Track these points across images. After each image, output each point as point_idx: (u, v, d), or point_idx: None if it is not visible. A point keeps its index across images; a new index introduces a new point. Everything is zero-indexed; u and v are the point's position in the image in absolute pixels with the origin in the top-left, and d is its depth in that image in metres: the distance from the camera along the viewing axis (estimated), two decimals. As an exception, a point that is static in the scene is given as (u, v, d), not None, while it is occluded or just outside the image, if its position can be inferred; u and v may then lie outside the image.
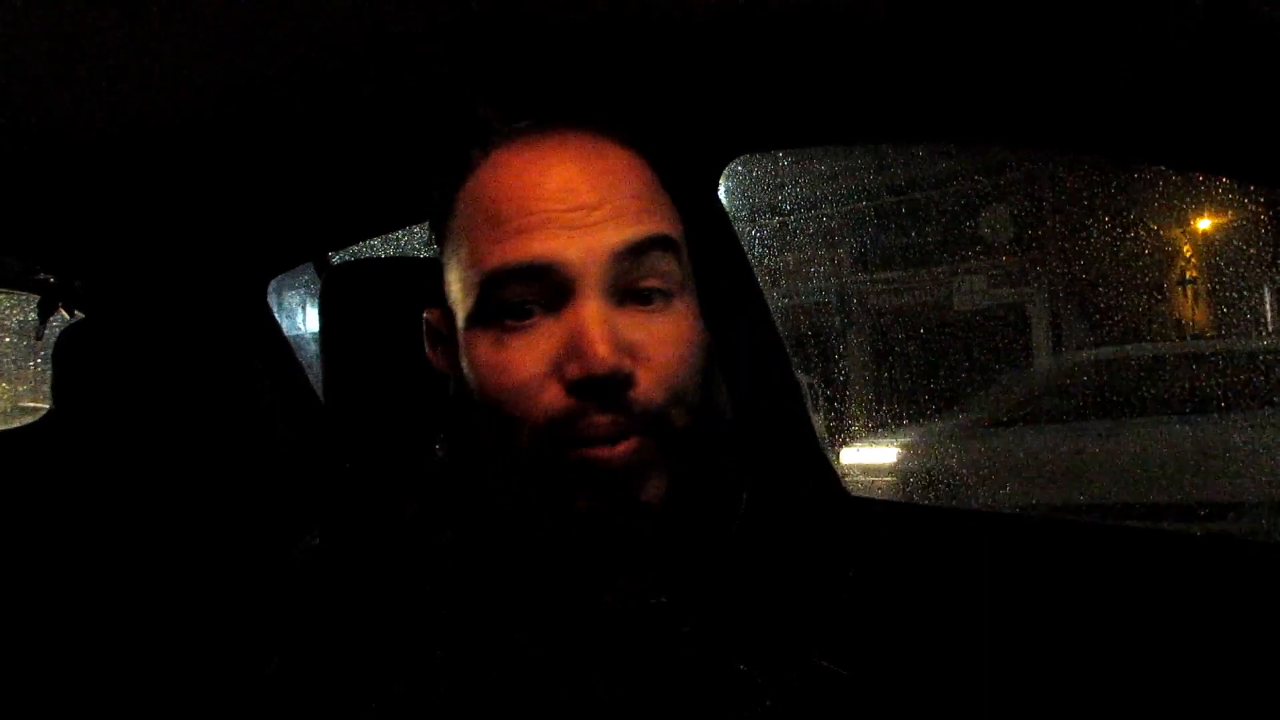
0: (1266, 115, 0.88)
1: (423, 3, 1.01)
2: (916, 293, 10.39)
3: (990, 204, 9.48)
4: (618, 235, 0.69)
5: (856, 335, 10.72)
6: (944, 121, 1.21)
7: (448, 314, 0.77)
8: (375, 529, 0.79)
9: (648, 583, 0.77)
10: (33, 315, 2.16)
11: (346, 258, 2.15)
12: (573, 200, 0.69)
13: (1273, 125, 0.89)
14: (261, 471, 1.80)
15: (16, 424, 2.20)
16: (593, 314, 0.67)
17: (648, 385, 0.69)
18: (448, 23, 1.06)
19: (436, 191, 0.80)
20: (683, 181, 0.80)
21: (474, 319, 0.71)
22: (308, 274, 2.26)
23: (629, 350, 0.68)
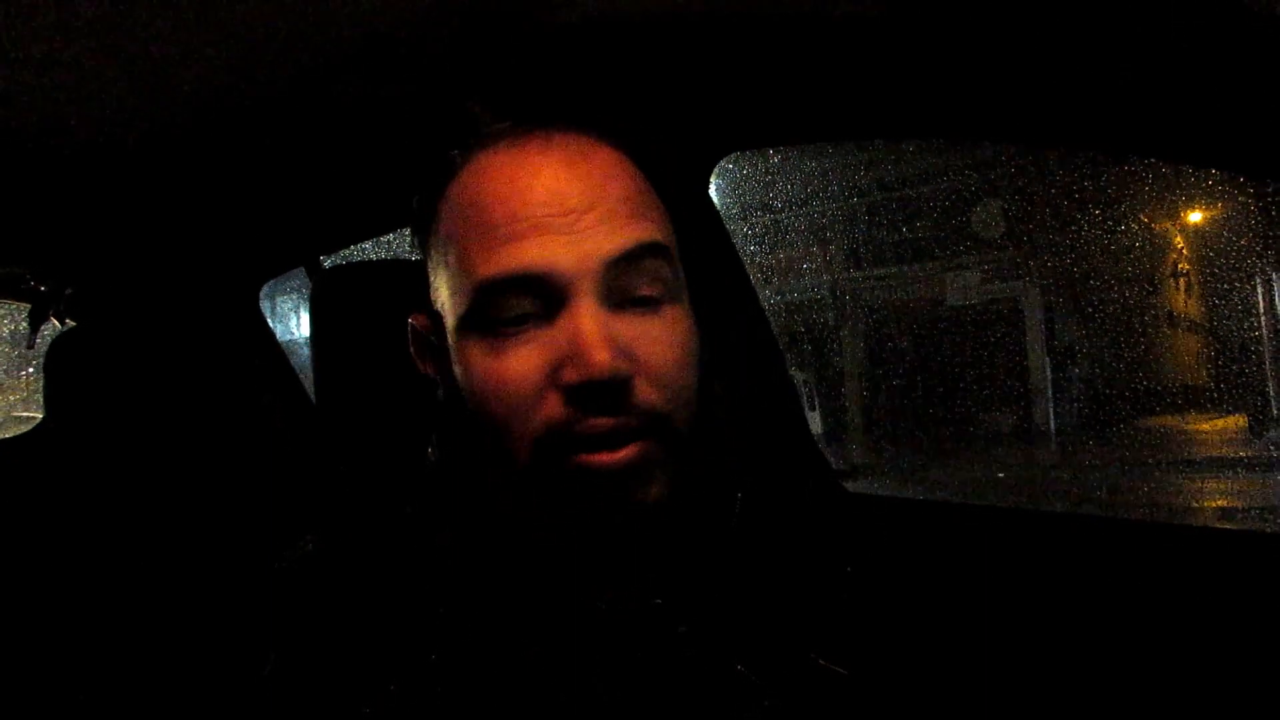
0: (1256, 107, 0.88)
1: (410, 7, 1.00)
2: (910, 289, 10.41)
3: (982, 199, 9.49)
4: (610, 242, 0.68)
5: (850, 332, 10.73)
6: (934, 117, 1.21)
7: (436, 320, 0.77)
8: (371, 531, 0.79)
9: (645, 583, 0.77)
10: (24, 324, 2.16)
11: (338, 262, 2.15)
12: (562, 204, 0.68)
13: (1263, 117, 0.89)
14: (258, 476, 1.80)
15: (10, 434, 2.19)
16: (589, 319, 0.67)
17: (647, 388, 0.68)
18: (435, 27, 1.05)
19: (419, 197, 0.79)
20: (673, 180, 0.79)
21: (466, 327, 0.71)
22: (301, 279, 2.26)
23: (626, 354, 0.67)
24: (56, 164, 1.48)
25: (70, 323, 2.13)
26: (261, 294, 2.27)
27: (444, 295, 0.74)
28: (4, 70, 1.11)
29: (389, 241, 2.20)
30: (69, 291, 2.13)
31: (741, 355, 1.47)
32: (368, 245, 2.20)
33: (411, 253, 0.87)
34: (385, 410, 0.98)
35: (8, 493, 1.71)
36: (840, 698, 0.79)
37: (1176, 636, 1.10)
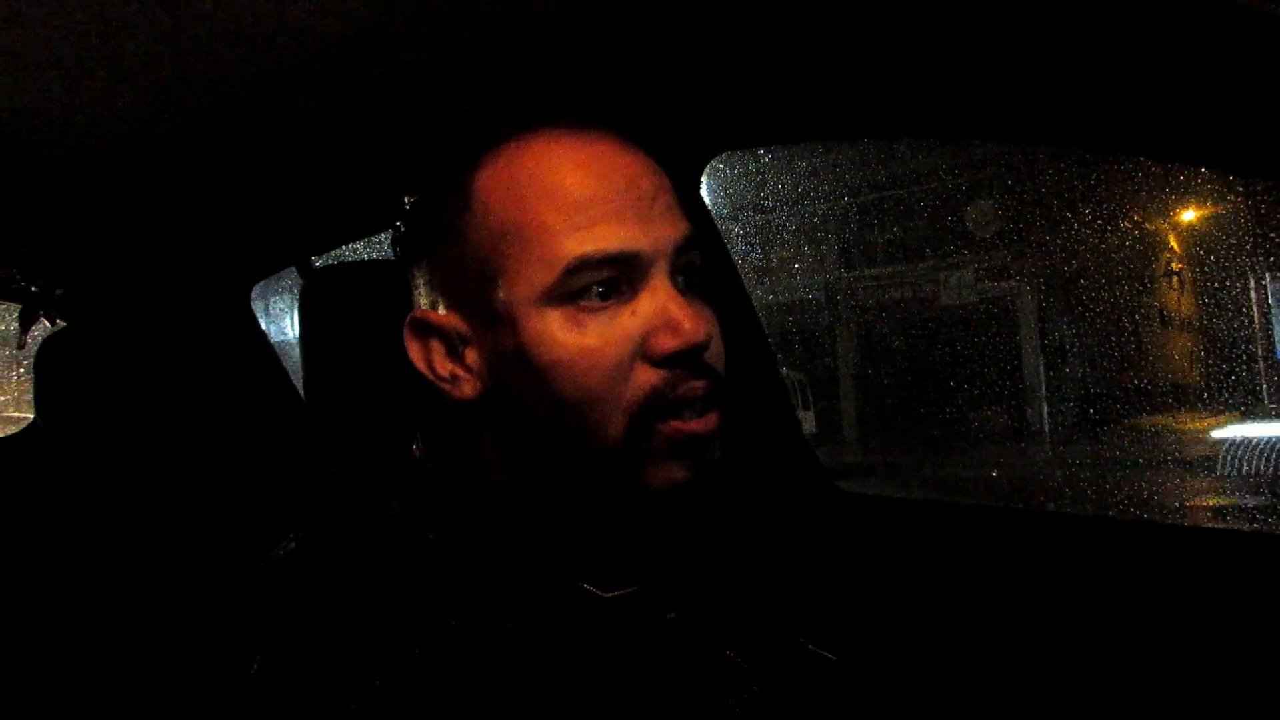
0: (1247, 105, 0.89)
1: (402, 6, 1.00)
2: (902, 288, 10.43)
3: (974, 199, 9.52)
4: (675, 229, 0.74)
5: (843, 331, 10.75)
6: (925, 116, 1.21)
7: (473, 307, 0.76)
8: (357, 528, 0.79)
9: (635, 572, 0.77)
10: (14, 325, 2.15)
11: (329, 262, 2.14)
12: (637, 188, 0.73)
13: (1254, 115, 0.89)
14: (248, 476, 1.79)
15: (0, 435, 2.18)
16: (673, 293, 0.72)
17: (715, 358, 0.75)
18: (426, 26, 1.05)
19: (440, 185, 0.79)
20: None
21: (542, 304, 0.72)
22: (295, 280, 2.25)
23: (703, 327, 0.72)
24: (46, 164, 1.48)
25: (60, 323, 2.13)
26: (254, 295, 2.27)
27: (502, 277, 0.74)
28: (-8, 70, 1.11)
29: (380, 241, 2.19)
30: (59, 292, 2.12)
31: (732, 355, 1.47)
32: (359, 245, 2.20)
33: (402, 253, 0.86)
34: (373, 409, 0.97)
35: (-2, 493, 1.71)
36: (829, 683, 0.80)
37: (1167, 636, 1.10)
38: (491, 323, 0.75)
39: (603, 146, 0.76)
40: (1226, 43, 0.84)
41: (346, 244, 2.07)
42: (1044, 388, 9.39)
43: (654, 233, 0.72)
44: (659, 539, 0.80)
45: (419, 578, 0.73)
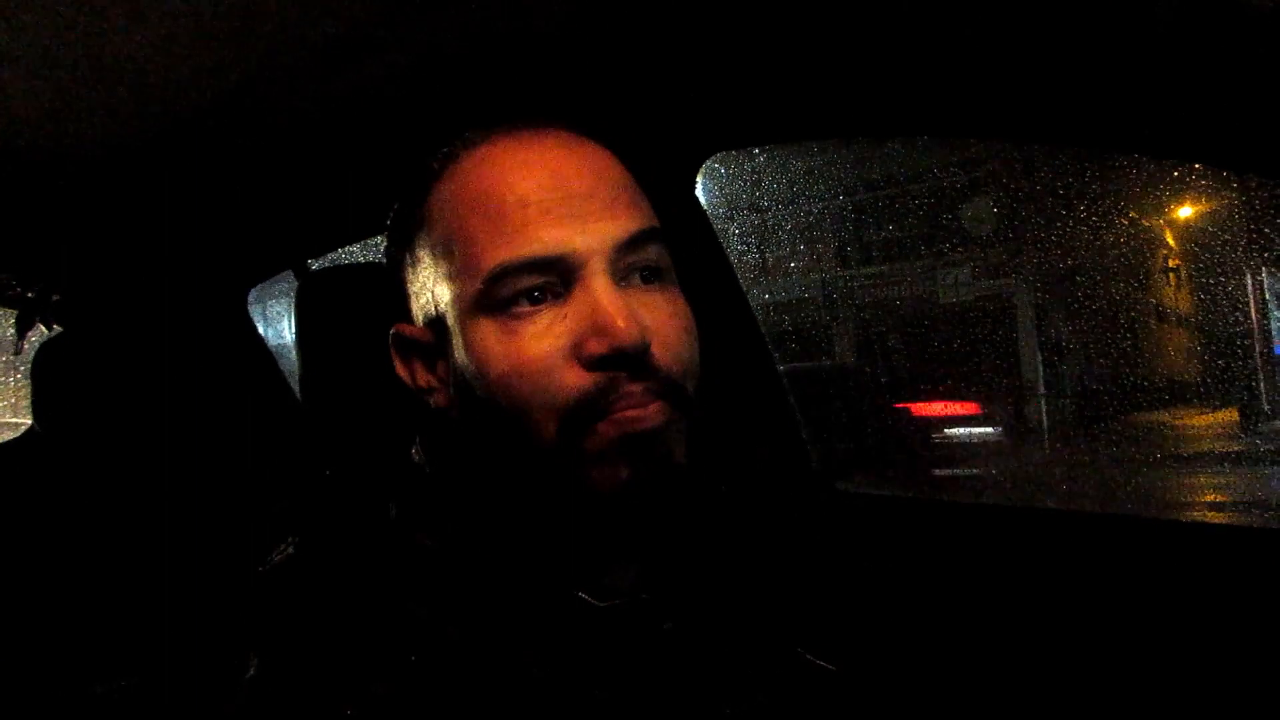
0: (1244, 103, 0.89)
1: (397, 10, 1.00)
2: (899, 286, 10.43)
3: (971, 197, 9.52)
4: (616, 226, 0.71)
5: (840, 330, 10.75)
6: (921, 114, 1.21)
7: (433, 321, 0.76)
8: (354, 533, 0.78)
9: (632, 580, 0.77)
10: (10, 331, 2.15)
11: (325, 265, 2.14)
12: (566, 189, 0.71)
13: (1250, 113, 0.89)
14: (245, 479, 1.79)
15: (-2, 440, 2.18)
16: (608, 293, 0.69)
17: (662, 357, 0.71)
18: (421, 29, 1.05)
19: (399, 206, 0.80)
20: (659, 180, 0.80)
21: (477, 312, 0.72)
22: (292, 283, 2.25)
23: (642, 326, 0.70)
24: (42, 169, 1.48)
25: (57, 329, 2.12)
26: (251, 298, 2.27)
27: (445, 290, 0.74)
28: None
29: (377, 244, 2.19)
30: (56, 297, 2.12)
31: (728, 351, 1.47)
32: (355, 248, 2.19)
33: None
34: (370, 413, 0.97)
35: (-5, 498, 1.70)
36: (829, 693, 0.79)
37: (1168, 632, 1.10)
38: (445, 336, 0.76)
39: (540, 147, 0.74)
40: (1224, 39, 0.84)
41: (342, 247, 2.07)
42: (1041, 384, 9.40)
43: (588, 231, 0.70)
44: (650, 547, 0.79)
45: (416, 583, 0.73)
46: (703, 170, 1.44)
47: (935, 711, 0.86)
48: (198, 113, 1.28)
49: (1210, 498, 6.52)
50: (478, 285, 0.71)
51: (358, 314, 0.96)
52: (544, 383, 0.70)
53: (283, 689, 0.69)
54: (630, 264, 0.72)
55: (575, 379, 0.69)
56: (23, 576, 1.60)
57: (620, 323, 0.68)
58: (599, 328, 0.68)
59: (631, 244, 0.72)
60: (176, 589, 1.54)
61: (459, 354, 0.74)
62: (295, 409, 2.14)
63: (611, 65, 1.16)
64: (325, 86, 1.22)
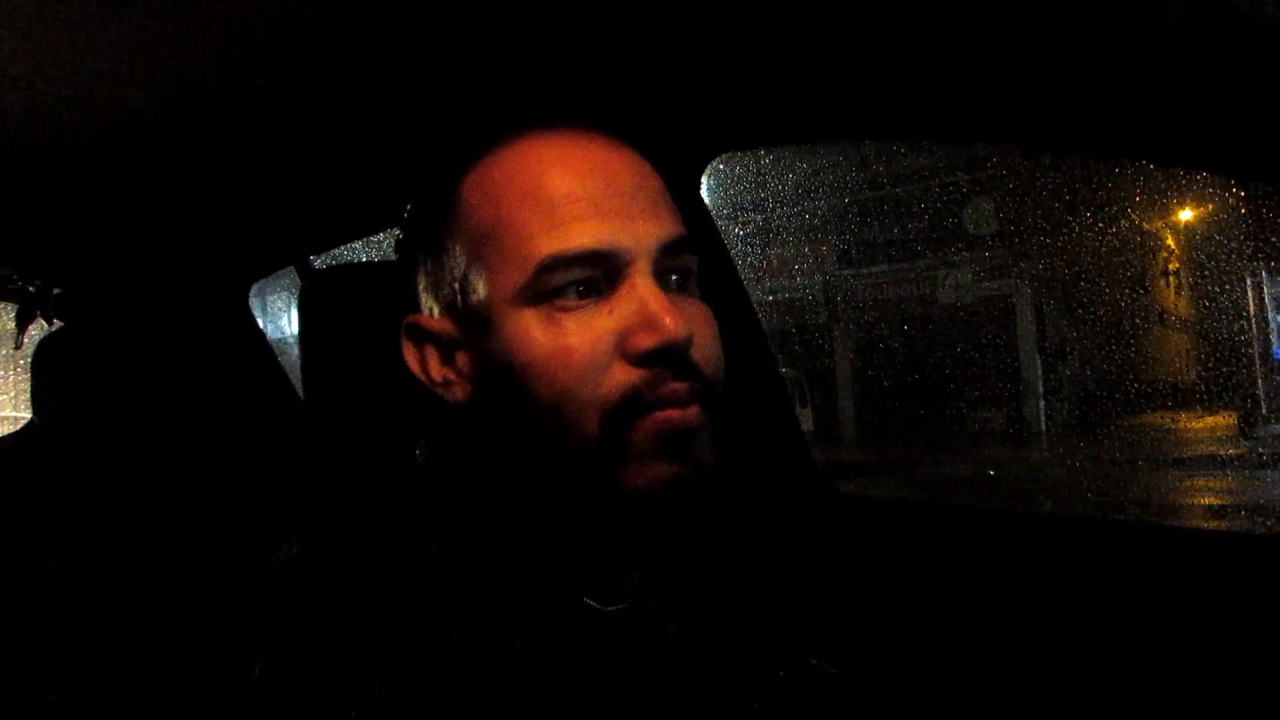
0: (1246, 110, 0.89)
1: (402, 6, 1.00)
2: (901, 287, 10.44)
3: (973, 198, 9.53)
4: (661, 229, 0.72)
5: (842, 330, 10.77)
6: (926, 119, 1.21)
7: (460, 311, 0.76)
8: (359, 534, 0.78)
9: (636, 583, 0.77)
10: (10, 324, 2.15)
11: (328, 262, 2.14)
12: (616, 186, 0.72)
13: (1252, 120, 0.89)
14: (247, 477, 1.79)
15: (-2, 434, 2.18)
16: (654, 291, 0.70)
17: (701, 357, 0.72)
18: (427, 25, 1.05)
19: (424, 190, 0.79)
20: (666, 180, 0.79)
21: (522, 303, 0.72)
22: (293, 278, 2.25)
23: (687, 325, 0.70)
24: (43, 163, 1.47)
25: (58, 323, 2.12)
26: (251, 292, 2.26)
27: (481, 280, 0.74)
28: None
29: (380, 241, 2.19)
30: (56, 292, 2.12)
31: (733, 356, 1.46)
32: (358, 245, 2.19)
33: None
34: (375, 413, 0.97)
35: (-6, 492, 1.70)
36: (832, 697, 0.79)
37: (1167, 637, 1.10)
38: (476, 325, 0.75)
39: (584, 145, 0.75)
40: (1227, 47, 0.84)
41: (345, 244, 2.07)
42: (1041, 386, 9.41)
43: (635, 230, 0.71)
44: (659, 550, 0.79)
45: (420, 586, 0.73)
46: (706, 170, 1.44)
47: (938, 715, 0.86)
48: (200, 106, 1.28)
49: (1208, 501, 6.53)
50: (525, 275, 0.71)
51: (362, 313, 0.96)
52: (589, 376, 0.70)
53: (287, 691, 0.69)
54: (669, 267, 0.73)
55: (621, 374, 0.70)
56: (23, 571, 1.60)
57: (669, 319, 0.68)
58: (648, 323, 0.69)
59: (673, 247, 0.73)
60: (176, 588, 1.54)
61: (494, 344, 0.73)
62: (296, 406, 2.14)
63: (617, 65, 1.16)
64: (329, 81, 1.22)
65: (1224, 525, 5.85)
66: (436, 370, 0.79)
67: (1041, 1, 0.91)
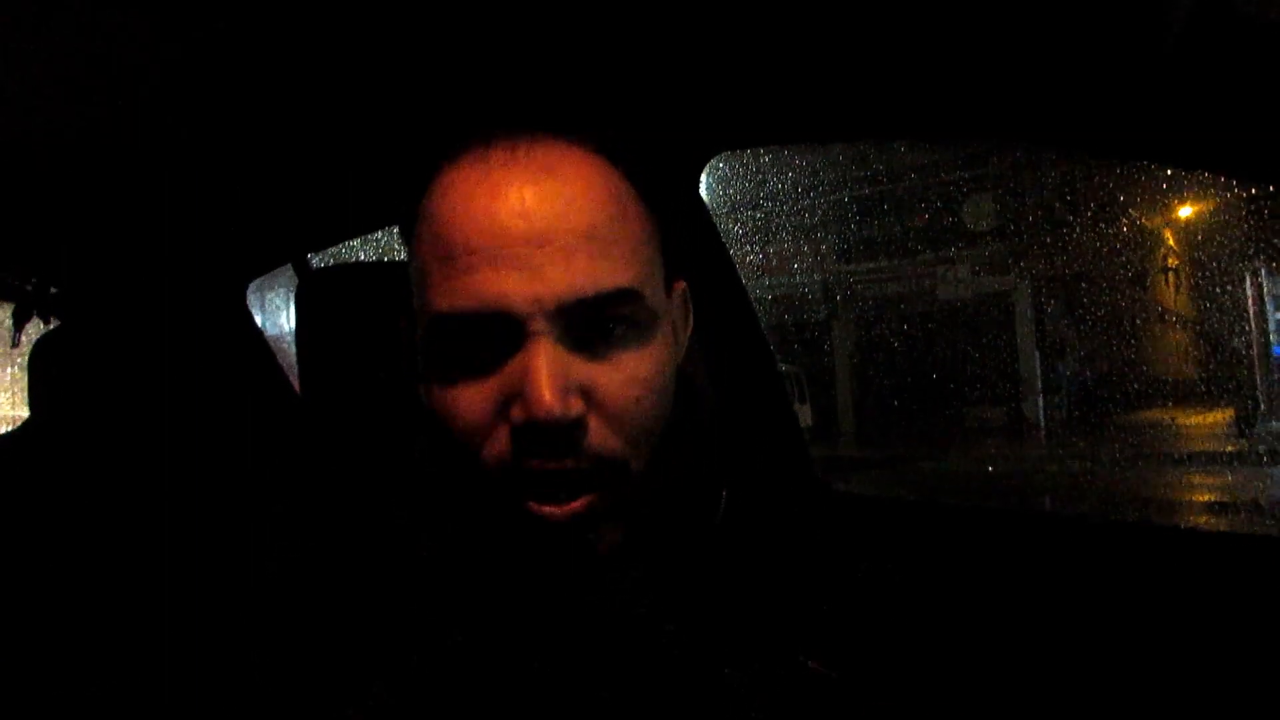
0: (1248, 111, 0.88)
1: (399, 3, 1.00)
2: (900, 283, 10.44)
3: (972, 195, 9.53)
4: (568, 282, 0.65)
5: (840, 326, 10.77)
6: (925, 119, 1.20)
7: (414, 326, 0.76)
8: (357, 534, 0.78)
9: (632, 585, 0.76)
10: (8, 323, 2.14)
11: (326, 260, 2.14)
12: (519, 233, 0.65)
13: (1254, 121, 0.89)
14: (244, 474, 1.78)
15: (-4, 432, 2.17)
16: (540, 358, 0.64)
17: (602, 430, 0.66)
18: (425, 22, 1.05)
19: (403, 201, 0.79)
20: (663, 180, 0.79)
21: (426, 354, 0.70)
22: (290, 274, 2.25)
23: (584, 393, 0.65)
24: (40, 161, 1.47)
25: (55, 322, 2.12)
26: (250, 289, 2.26)
27: (416, 310, 0.73)
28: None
29: (378, 239, 2.18)
30: (53, 290, 2.12)
31: (730, 353, 1.46)
32: (355, 243, 2.19)
33: (400, 252, 0.86)
34: (372, 412, 0.97)
35: (-7, 491, 1.70)
36: (830, 701, 0.79)
37: (1167, 638, 1.10)
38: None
39: (506, 177, 0.67)
40: (1229, 48, 0.83)
41: (343, 242, 2.06)
42: (1040, 383, 9.42)
43: (534, 286, 0.64)
44: (651, 551, 0.79)
45: (419, 585, 0.73)
46: (705, 168, 1.44)
47: (937, 716, 0.86)
48: (197, 103, 1.27)
49: (1205, 498, 6.53)
50: (424, 329, 0.69)
51: (360, 313, 0.96)
52: (472, 439, 0.67)
53: (284, 688, 0.69)
54: (587, 321, 0.66)
55: (498, 447, 0.66)
56: (20, 569, 1.60)
57: (544, 393, 0.62)
58: (524, 395, 0.63)
59: (586, 305, 0.65)
60: (175, 587, 1.53)
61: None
62: (294, 405, 2.13)
63: (617, 65, 1.15)
64: (326, 78, 1.21)
65: (1223, 523, 5.85)
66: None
67: (1043, 0, 0.90)
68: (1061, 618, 1.17)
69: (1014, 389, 9.37)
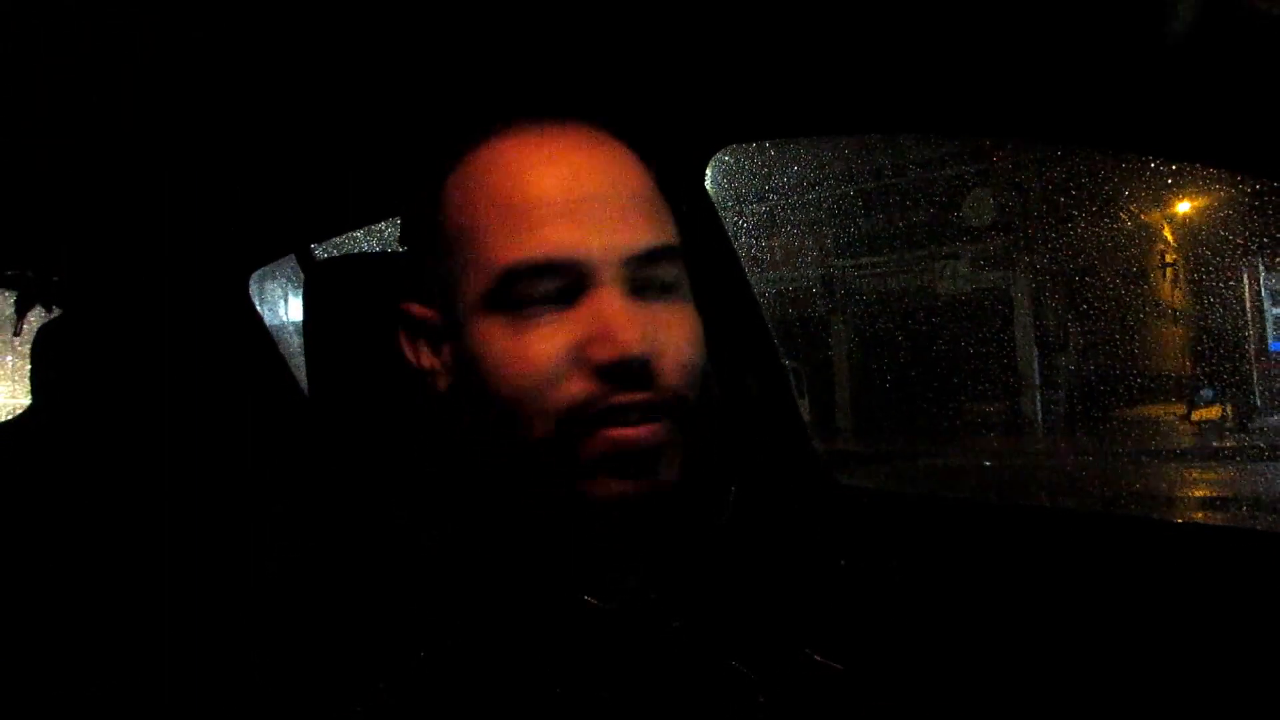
0: (1251, 105, 0.88)
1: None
2: (901, 277, 10.43)
3: (973, 189, 9.52)
4: (631, 238, 0.71)
5: (841, 321, 10.75)
6: (930, 112, 1.21)
7: (443, 305, 0.76)
8: (362, 530, 0.78)
9: (639, 578, 0.77)
10: (10, 312, 2.14)
11: (330, 250, 2.14)
12: (586, 190, 0.71)
13: (1258, 115, 0.89)
14: (247, 464, 1.78)
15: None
16: (616, 303, 0.70)
17: (668, 369, 0.72)
18: (430, 13, 1.05)
19: (417, 184, 0.79)
20: (670, 173, 0.79)
21: (486, 308, 0.72)
22: (290, 264, 2.24)
23: (649, 336, 0.70)
24: (44, 151, 1.47)
25: (57, 310, 2.12)
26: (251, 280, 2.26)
27: (456, 279, 0.74)
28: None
29: (381, 230, 2.18)
30: (56, 279, 2.12)
31: (735, 346, 1.46)
32: (359, 234, 2.19)
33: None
34: (379, 405, 0.97)
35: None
36: (835, 693, 0.79)
37: (1169, 632, 1.11)
38: (454, 322, 0.76)
39: (562, 145, 0.74)
40: (1228, 41, 0.83)
41: (346, 233, 2.06)
42: (1038, 378, 9.41)
43: (601, 239, 0.70)
44: (655, 549, 0.79)
45: (422, 584, 0.73)
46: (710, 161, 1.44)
47: (941, 711, 0.86)
48: (199, 94, 1.27)
49: (1204, 493, 6.54)
50: (490, 283, 0.71)
51: (367, 305, 0.96)
52: (546, 385, 0.70)
53: (290, 685, 0.69)
54: (642, 277, 0.72)
55: (576, 385, 0.70)
56: (20, 557, 1.60)
57: (627, 333, 0.68)
58: (604, 335, 0.69)
59: (646, 257, 0.72)
60: (175, 580, 1.53)
61: (467, 342, 0.74)
62: (296, 396, 2.13)
63: (623, 58, 1.15)
64: (328, 69, 1.21)
65: (1221, 518, 5.86)
66: (426, 359, 0.80)
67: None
68: (1061, 611, 1.18)
69: (1013, 384, 9.36)
